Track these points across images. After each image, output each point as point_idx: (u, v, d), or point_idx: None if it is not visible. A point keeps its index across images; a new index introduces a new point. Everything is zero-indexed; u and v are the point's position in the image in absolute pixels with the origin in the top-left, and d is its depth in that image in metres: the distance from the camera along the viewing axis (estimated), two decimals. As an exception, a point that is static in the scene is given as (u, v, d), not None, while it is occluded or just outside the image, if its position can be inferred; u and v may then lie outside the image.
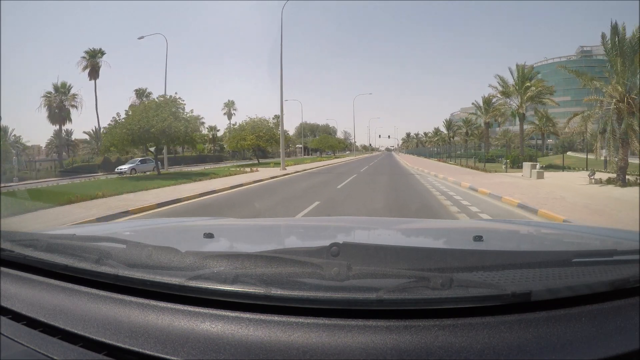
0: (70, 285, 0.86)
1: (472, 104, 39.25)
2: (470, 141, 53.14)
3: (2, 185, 18.15)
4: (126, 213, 7.82)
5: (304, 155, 70.68)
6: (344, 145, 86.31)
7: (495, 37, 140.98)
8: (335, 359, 0.59)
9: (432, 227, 2.08)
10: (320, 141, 68.98)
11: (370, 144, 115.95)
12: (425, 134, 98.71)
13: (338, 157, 58.83)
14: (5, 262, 0.97)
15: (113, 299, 0.78)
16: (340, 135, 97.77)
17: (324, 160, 40.64)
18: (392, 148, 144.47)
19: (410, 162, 31.60)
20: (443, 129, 73.31)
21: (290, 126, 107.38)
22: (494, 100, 33.33)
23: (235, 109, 64.49)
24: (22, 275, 0.93)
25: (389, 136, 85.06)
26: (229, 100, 65.15)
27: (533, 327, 0.63)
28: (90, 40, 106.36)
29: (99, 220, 6.82)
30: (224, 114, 63.49)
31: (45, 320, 0.75)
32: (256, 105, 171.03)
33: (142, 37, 31.68)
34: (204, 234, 1.25)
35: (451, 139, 58.89)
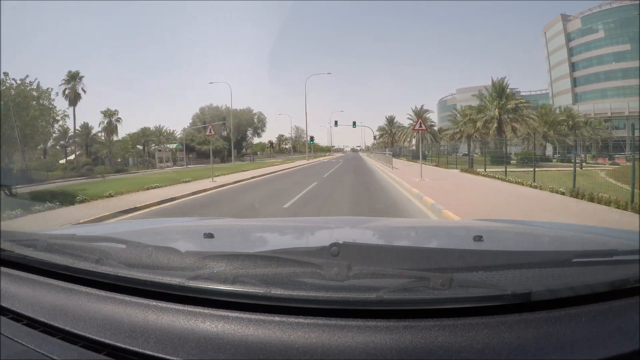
0: (70, 285, 0.86)
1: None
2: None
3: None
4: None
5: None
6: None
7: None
8: (335, 359, 0.59)
9: (432, 227, 2.08)
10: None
11: (312, 137, 53.26)
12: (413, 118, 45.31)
13: (224, 173, 19.60)
14: (5, 262, 0.97)
15: (113, 299, 0.78)
16: (288, 132, 67.98)
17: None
18: (358, 148, 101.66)
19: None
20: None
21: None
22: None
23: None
24: (22, 275, 0.93)
25: (354, 124, 41.07)
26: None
27: (533, 327, 0.63)
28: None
29: None
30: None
31: (46, 320, 0.75)
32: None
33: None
34: (204, 234, 1.25)
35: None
